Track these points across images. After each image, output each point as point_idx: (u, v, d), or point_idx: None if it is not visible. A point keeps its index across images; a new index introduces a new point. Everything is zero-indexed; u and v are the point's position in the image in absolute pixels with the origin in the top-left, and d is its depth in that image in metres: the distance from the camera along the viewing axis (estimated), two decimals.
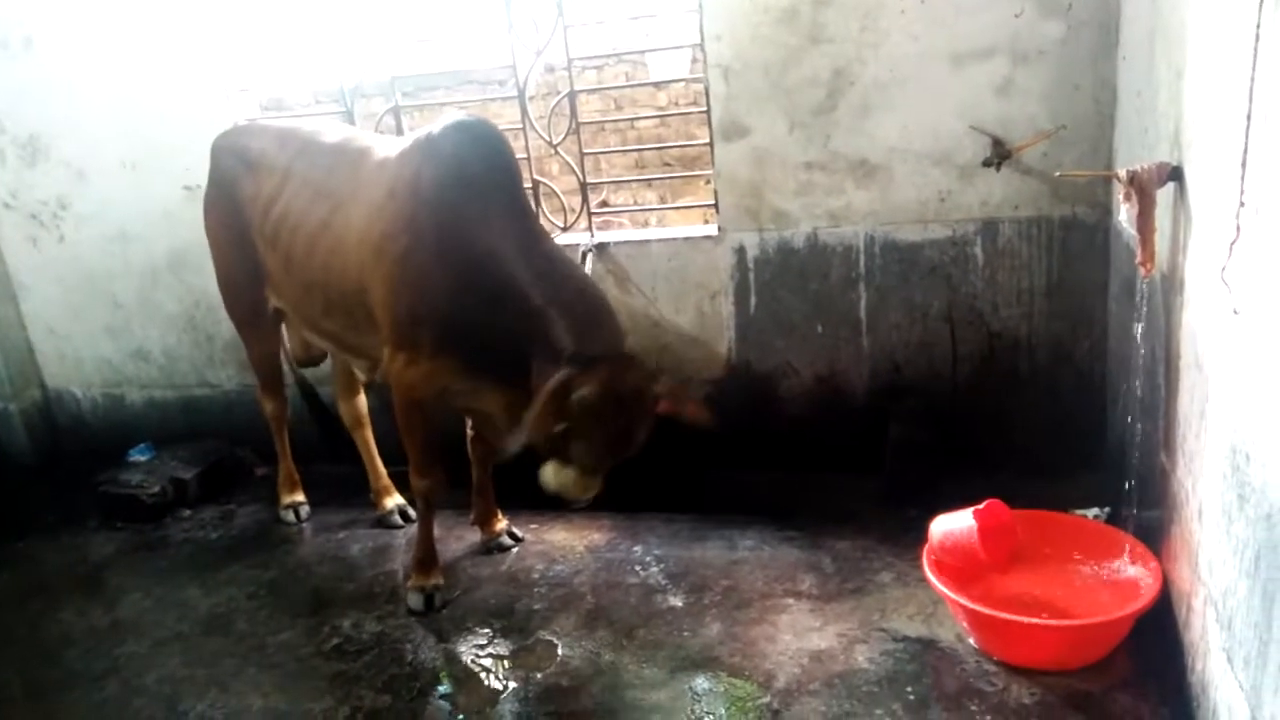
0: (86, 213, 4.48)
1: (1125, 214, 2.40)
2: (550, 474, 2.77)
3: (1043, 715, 2.43)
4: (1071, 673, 2.55)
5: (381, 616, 3.24)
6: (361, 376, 3.74)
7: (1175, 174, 2.30)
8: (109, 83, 4.23)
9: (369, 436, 3.93)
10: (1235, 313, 1.81)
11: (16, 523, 4.26)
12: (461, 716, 2.72)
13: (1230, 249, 1.80)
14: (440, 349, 2.95)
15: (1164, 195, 2.35)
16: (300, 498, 4.05)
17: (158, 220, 4.30)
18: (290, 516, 4.00)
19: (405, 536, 3.75)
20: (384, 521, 3.88)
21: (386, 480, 3.94)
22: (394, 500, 3.92)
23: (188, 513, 4.18)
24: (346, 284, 3.15)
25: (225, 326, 4.12)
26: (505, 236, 2.89)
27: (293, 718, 2.78)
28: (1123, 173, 2.39)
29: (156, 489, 4.15)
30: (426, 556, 3.32)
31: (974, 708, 2.49)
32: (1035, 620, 2.60)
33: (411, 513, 3.84)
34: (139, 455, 4.45)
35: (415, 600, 3.25)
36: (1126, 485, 2.88)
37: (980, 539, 2.76)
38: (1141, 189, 2.32)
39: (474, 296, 2.86)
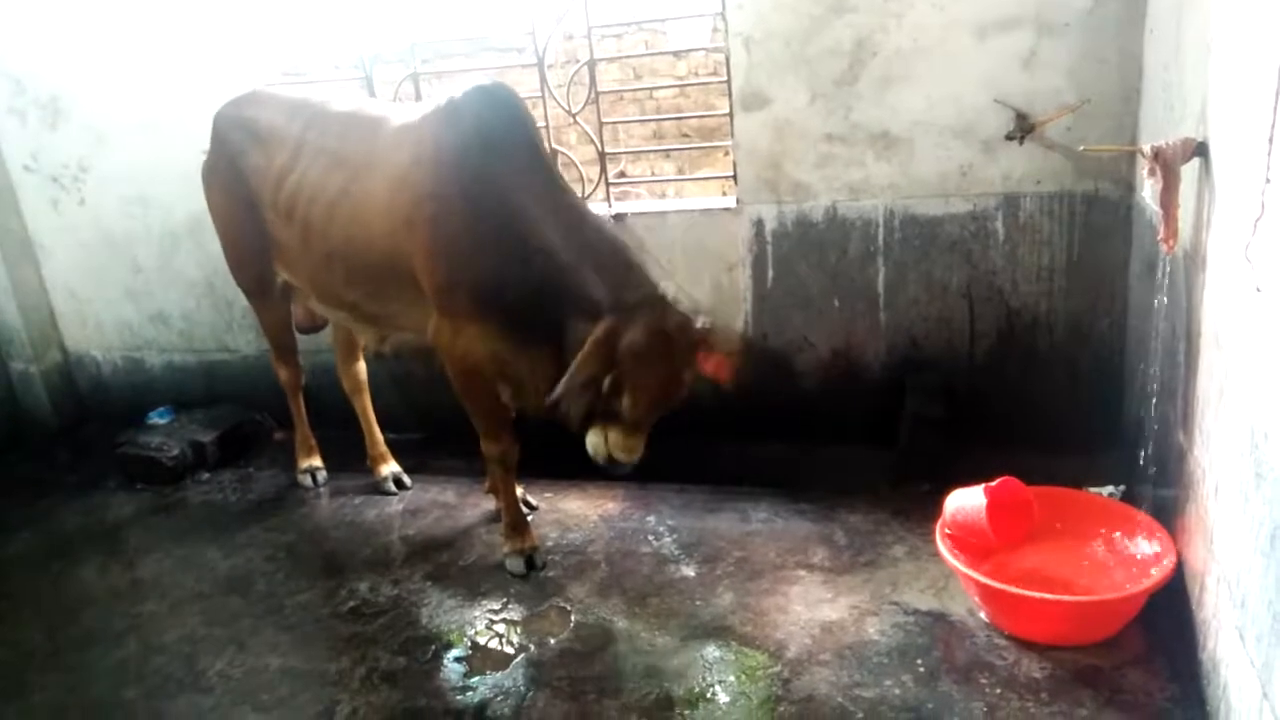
0: (107, 175, 4.51)
1: (1149, 190, 2.38)
2: (596, 441, 2.78)
3: (1053, 689, 2.44)
4: (1082, 648, 2.56)
5: (397, 580, 3.28)
6: (371, 346, 3.70)
7: (1200, 150, 2.27)
8: (128, 44, 4.24)
9: (367, 403, 3.96)
10: (1258, 290, 1.79)
11: (38, 483, 4.33)
12: (475, 679, 2.76)
13: (1255, 226, 1.78)
14: (479, 312, 2.95)
15: (1189, 171, 2.32)
16: (317, 462, 4.09)
17: (177, 184, 4.30)
18: (307, 481, 4.05)
19: (402, 503, 3.82)
20: (379, 488, 3.92)
21: (383, 447, 3.98)
22: (389, 467, 3.96)
23: (206, 475, 4.24)
24: (372, 253, 3.13)
25: None
26: (531, 198, 2.89)
27: (310, 677, 2.83)
28: (1147, 148, 2.37)
29: (176, 451, 4.20)
30: (517, 520, 3.32)
31: (984, 680, 2.51)
32: (1046, 595, 2.60)
33: (406, 480, 3.95)
34: (159, 418, 4.51)
35: (515, 564, 3.24)
36: (1143, 463, 2.88)
37: (989, 516, 2.77)
38: (1166, 165, 2.29)
39: (505, 259, 2.86)
